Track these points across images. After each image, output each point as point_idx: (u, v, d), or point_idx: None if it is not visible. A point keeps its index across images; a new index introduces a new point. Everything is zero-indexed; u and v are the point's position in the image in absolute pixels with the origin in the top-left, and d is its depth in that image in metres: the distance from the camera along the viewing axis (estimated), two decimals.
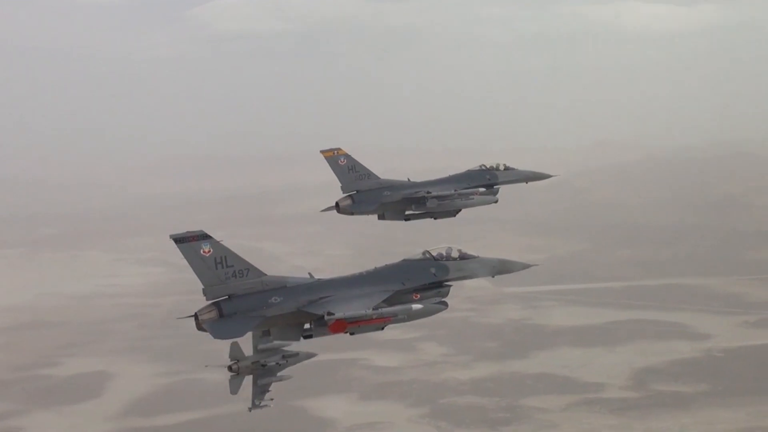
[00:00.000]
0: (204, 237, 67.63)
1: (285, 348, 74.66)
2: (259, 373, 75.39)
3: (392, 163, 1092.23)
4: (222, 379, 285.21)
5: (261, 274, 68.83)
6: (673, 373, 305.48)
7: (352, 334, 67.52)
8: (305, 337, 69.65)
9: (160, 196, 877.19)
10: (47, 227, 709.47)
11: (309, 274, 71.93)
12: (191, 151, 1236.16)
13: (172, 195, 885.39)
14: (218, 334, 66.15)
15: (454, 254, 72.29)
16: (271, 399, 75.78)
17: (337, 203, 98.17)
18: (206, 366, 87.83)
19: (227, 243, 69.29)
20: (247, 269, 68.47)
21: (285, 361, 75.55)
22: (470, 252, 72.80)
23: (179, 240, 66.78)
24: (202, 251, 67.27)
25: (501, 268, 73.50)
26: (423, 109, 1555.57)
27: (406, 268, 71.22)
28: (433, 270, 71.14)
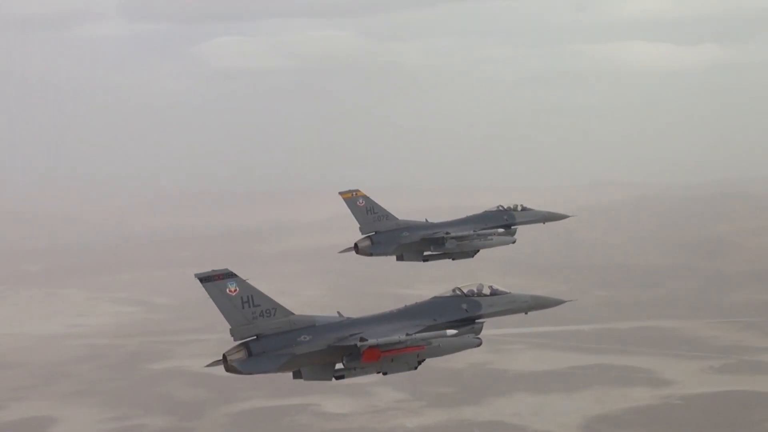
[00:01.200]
0: (229, 275, 66.94)
1: None
2: None
3: (391, 201, 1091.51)
4: (166, 426, 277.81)
5: (288, 313, 67.50)
6: (627, 422, 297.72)
7: (385, 374, 68.05)
8: (337, 378, 69.45)
9: (147, 233, 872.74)
10: (30, 264, 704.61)
11: (338, 312, 70.66)
12: (185, 187, 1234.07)
13: (159, 231, 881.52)
14: (248, 369, 65.77)
15: (485, 291, 72.24)
16: None
17: (356, 244, 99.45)
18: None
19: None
20: (275, 308, 67.18)
21: None
22: (501, 288, 72.68)
23: (204, 279, 66.17)
24: (228, 290, 66.80)
25: (534, 304, 73.62)
26: (422, 148, 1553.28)
27: (436, 304, 70.88)
28: (464, 306, 71.16)
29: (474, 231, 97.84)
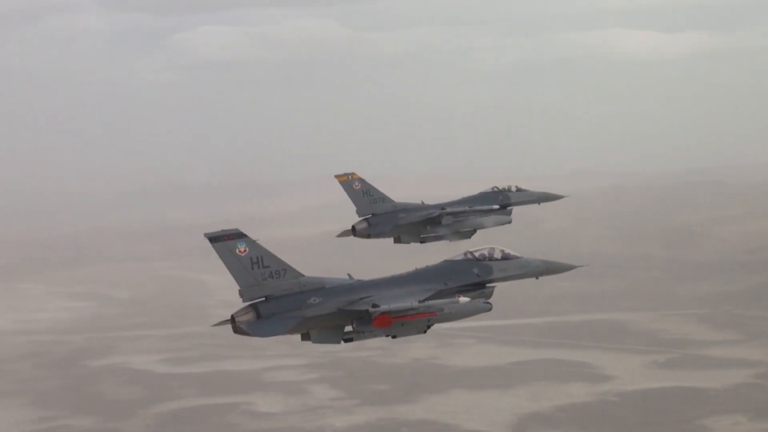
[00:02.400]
0: (239, 236, 65.32)
1: None
2: None
3: (389, 192, 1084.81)
4: (91, 426, 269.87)
5: (298, 274, 66.34)
6: (559, 419, 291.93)
7: (394, 337, 66.41)
8: (346, 341, 67.96)
9: (119, 226, 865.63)
10: None
11: (348, 275, 69.21)
12: (164, 180, 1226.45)
13: (132, 224, 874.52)
14: (258, 332, 64.85)
15: (497, 255, 71.20)
16: None
17: (353, 227, 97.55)
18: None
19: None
20: (284, 269, 65.88)
21: None
22: (513, 252, 71.86)
23: (214, 239, 64.94)
24: (237, 250, 65.14)
25: (545, 269, 72.24)
26: (406, 137, 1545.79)
27: (448, 268, 69.63)
28: (476, 270, 69.82)
29: (470, 207, 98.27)
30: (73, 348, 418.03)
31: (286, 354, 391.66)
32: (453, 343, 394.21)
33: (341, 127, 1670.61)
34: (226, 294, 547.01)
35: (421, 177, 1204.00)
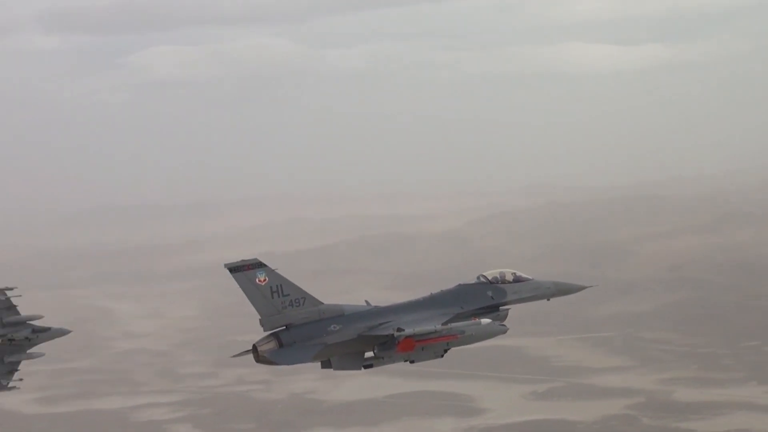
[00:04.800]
0: (259, 265, 66.18)
1: (35, 323, 71.10)
2: (6, 349, 69.47)
3: (325, 209, 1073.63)
4: None
5: (318, 302, 66.82)
6: None
7: (412, 362, 66.74)
8: (366, 367, 68.28)
9: (51, 249, 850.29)
10: None
11: (366, 301, 69.66)
12: (114, 201, 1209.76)
13: (63, 248, 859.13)
14: (282, 361, 65.17)
15: (509, 277, 71.45)
16: (20, 379, 69.83)
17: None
18: None
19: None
20: (304, 298, 66.44)
21: (35, 336, 70.92)
22: (524, 275, 72.15)
23: (234, 269, 66.19)
24: (257, 280, 66.00)
25: (556, 290, 72.50)
26: (364, 154, 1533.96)
27: (463, 292, 70.12)
28: (490, 293, 70.15)
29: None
30: None
31: (163, 390, 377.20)
32: (336, 375, 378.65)
33: (296, 144, 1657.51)
34: (131, 325, 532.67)
35: (372, 192, 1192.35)
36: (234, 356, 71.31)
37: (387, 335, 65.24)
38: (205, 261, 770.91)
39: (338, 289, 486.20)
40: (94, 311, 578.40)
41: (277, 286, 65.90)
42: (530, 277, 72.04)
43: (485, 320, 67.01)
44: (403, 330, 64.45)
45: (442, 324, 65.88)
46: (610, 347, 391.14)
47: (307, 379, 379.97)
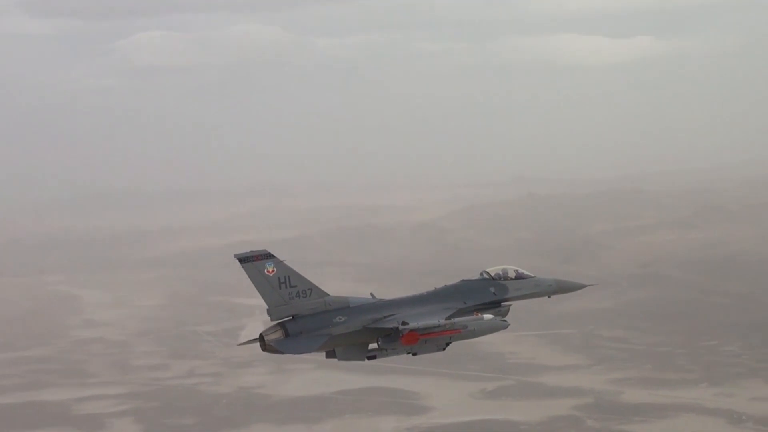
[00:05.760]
0: (268, 256, 66.91)
1: None
2: None
3: (315, 200, 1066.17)
4: None
5: (324, 294, 68.17)
6: None
7: (414, 354, 68.13)
8: (369, 358, 69.43)
9: (27, 236, 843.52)
10: None
11: (371, 294, 70.89)
12: (95, 187, 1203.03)
13: (40, 235, 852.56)
14: (290, 351, 66.15)
15: (511, 274, 72.52)
16: None
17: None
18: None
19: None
20: (310, 289, 67.66)
21: None
22: (527, 272, 73.03)
23: (243, 259, 66.68)
24: (266, 270, 66.75)
25: (557, 287, 73.82)
26: (348, 144, 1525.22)
27: (466, 288, 71.37)
28: (492, 290, 71.48)
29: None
30: None
31: (111, 382, 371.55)
32: (289, 369, 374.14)
33: (281, 133, 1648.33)
34: (94, 313, 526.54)
35: (355, 183, 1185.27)
36: (240, 344, 75.08)
37: (391, 328, 66.30)
38: (178, 249, 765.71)
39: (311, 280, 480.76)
40: (59, 298, 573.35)
41: (285, 277, 66.69)
42: (532, 275, 73.03)
43: (488, 316, 68.03)
44: (408, 324, 65.49)
45: (446, 318, 67.10)
46: (567, 345, 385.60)
47: (257, 373, 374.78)
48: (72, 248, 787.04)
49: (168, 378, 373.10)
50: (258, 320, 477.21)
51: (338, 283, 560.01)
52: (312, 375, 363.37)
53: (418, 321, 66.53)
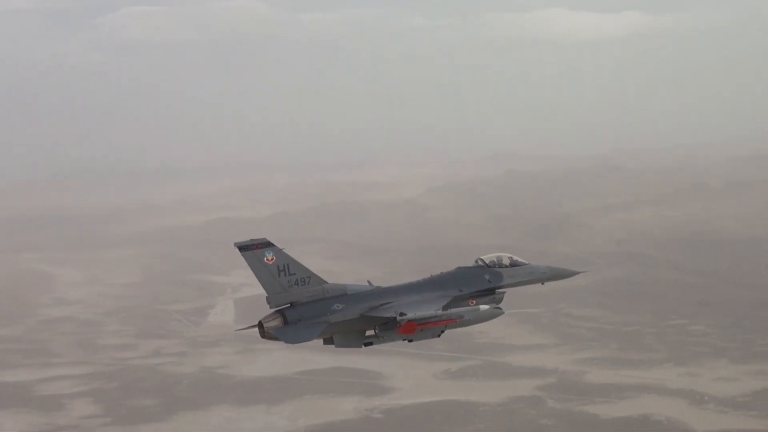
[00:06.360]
0: (267, 245, 67.90)
1: None
2: None
3: (294, 177, 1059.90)
4: None
5: (322, 281, 68.91)
6: None
7: (410, 341, 68.80)
8: (366, 344, 70.08)
9: (10, 212, 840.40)
10: None
11: (368, 282, 71.78)
12: (77, 164, 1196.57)
13: (22, 211, 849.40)
14: (289, 339, 66.66)
15: (506, 261, 73.36)
16: None
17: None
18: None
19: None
20: (309, 277, 68.45)
21: None
22: (521, 259, 73.77)
23: (243, 248, 67.51)
24: (265, 259, 67.47)
25: (551, 275, 74.69)
26: (337, 120, 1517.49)
27: (461, 275, 72.15)
28: (487, 277, 72.42)
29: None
30: None
31: (76, 362, 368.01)
32: (255, 349, 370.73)
33: (265, 109, 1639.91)
34: (66, 292, 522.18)
35: (337, 160, 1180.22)
36: (239, 330, 76.35)
37: (389, 317, 67.20)
38: (158, 227, 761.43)
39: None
40: (33, 276, 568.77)
41: (284, 265, 67.49)
42: (526, 262, 73.73)
43: (484, 306, 69.37)
44: (405, 314, 66.40)
45: (442, 307, 68.33)
46: (536, 324, 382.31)
47: (222, 353, 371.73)
48: (50, 226, 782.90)
49: (133, 358, 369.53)
50: (229, 298, 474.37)
51: (315, 260, 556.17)
52: (277, 355, 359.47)
53: (415, 311, 67.21)
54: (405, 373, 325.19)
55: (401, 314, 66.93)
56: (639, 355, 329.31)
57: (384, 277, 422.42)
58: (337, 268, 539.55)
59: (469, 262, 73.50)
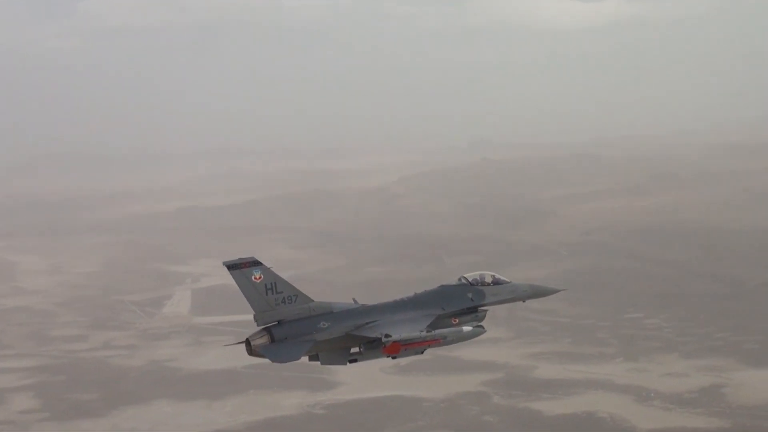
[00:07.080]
0: (255, 263, 68.75)
1: None
2: None
3: (265, 165, 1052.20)
4: None
5: (308, 300, 69.70)
6: None
7: (394, 358, 69.68)
8: (350, 361, 70.81)
9: None
10: None
11: (353, 299, 72.70)
12: (51, 150, 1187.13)
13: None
14: (276, 358, 67.30)
15: (488, 279, 75.02)
16: None
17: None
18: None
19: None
20: (296, 295, 69.27)
21: None
22: (503, 277, 75.56)
23: (232, 267, 68.36)
24: (253, 277, 68.34)
25: (532, 293, 76.40)
26: (315, 107, 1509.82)
27: (444, 293, 73.21)
28: (470, 295, 73.90)
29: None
30: None
31: (24, 354, 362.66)
32: (205, 341, 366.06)
33: (241, 96, 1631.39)
34: (25, 281, 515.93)
35: (311, 148, 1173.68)
36: (227, 345, 78.76)
37: (375, 338, 68.18)
38: (127, 214, 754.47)
39: (248, 247, 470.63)
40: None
41: (271, 283, 68.26)
42: (508, 280, 75.21)
43: (466, 327, 70.90)
44: (391, 336, 67.31)
45: (426, 326, 69.36)
46: (492, 318, 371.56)
47: (173, 346, 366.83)
48: (17, 212, 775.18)
49: (82, 350, 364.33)
50: (187, 289, 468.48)
51: (282, 249, 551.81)
52: (227, 348, 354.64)
53: (400, 332, 68.04)
54: (352, 367, 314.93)
55: (386, 336, 67.66)
56: (591, 350, 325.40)
57: (347, 267, 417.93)
58: (301, 256, 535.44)
59: (452, 279, 74.61)
